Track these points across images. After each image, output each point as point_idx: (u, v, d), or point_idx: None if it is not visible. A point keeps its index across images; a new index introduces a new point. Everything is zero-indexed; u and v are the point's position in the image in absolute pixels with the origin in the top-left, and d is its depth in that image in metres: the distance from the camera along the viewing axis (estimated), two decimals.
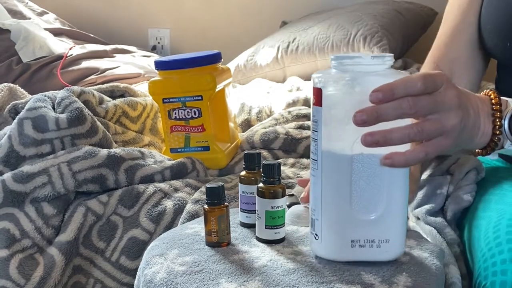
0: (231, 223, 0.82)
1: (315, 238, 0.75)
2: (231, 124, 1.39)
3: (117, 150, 1.18)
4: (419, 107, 0.68)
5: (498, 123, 0.79)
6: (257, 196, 0.80)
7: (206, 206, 0.80)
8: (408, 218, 0.97)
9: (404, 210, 0.73)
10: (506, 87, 1.07)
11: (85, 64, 2.06)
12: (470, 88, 1.07)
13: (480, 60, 1.09)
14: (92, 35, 2.38)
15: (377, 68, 0.70)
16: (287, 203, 0.91)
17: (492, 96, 0.80)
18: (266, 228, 0.80)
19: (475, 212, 0.90)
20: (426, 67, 1.11)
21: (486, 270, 0.74)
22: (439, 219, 0.93)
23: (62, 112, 1.20)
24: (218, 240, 0.80)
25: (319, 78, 0.70)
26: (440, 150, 0.70)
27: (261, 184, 0.80)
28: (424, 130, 0.68)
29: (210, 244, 0.80)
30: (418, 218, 0.96)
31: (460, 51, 1.08)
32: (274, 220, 0.79)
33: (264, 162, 0.80)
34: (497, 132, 0.79)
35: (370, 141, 0.66)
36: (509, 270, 0.72)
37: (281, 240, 0.81)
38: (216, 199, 0.80)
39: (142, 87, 1.63)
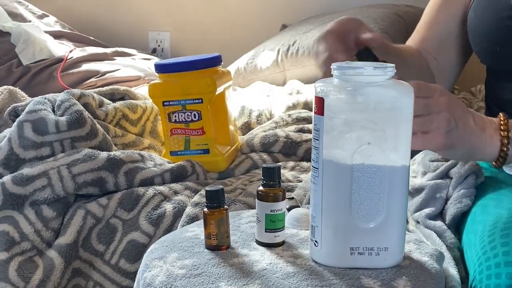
0: (230, 226, 0.82)
1: (315, 245, 0.75)
2: (231, 127, 1.39)
3: (116, 153, 1.18)
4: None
5: (505, 135, 0.85)
6: (256, 200, 0.80)
7: (205, 209, 0.80)
8: (407, 222, 0.97)
9: (403, 218, 0.74)
10: (496, 90, 1.07)
11: (85, 67, 2.06)
12: (455, 63, 1.14)
13: (464, 36, 1.11)
14: (92, 38, 2.38)
15: (379, 79, 0.71)
16: (287, 207, 0.91)
17: (501, 118, 0.87)
18: (266, 231, 0.80)
19: (472, 216, 0.90)
20: (410, 45, 1.16)
21: (481, 274, 0.75)
22: (438, 223, 0.93)
23: (62, 115, 1.20)
24: (218, 244, 0.80)
25: (321, 87, 0.71)
26: (432, 144, 0.80)
27: (260, 187, 0.80)
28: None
29: (210, 248, 0.80)
30: (418, 222, 0.96)
31: (443, 29, 1.12)
32: (273, 223, 0.79)
33: (264, 165, 0.80)
34: (505, 143, 0.85)
35: None
36: (503, 274, 0.72)
37: (281, 244, 0.81)
38: (216, 202, 0.80)
39: (142, 90, 1.63)
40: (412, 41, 1.17)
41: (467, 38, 1.09)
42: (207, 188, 0.80)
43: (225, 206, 0.81)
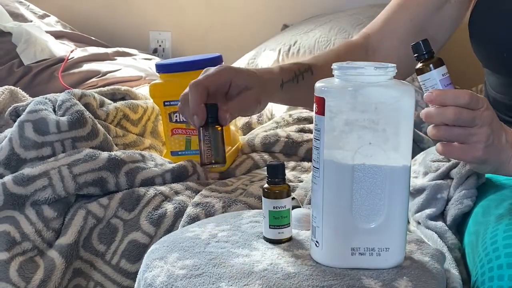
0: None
1: (316, 245, 0.75)
2: (232, 127, 1.39)
3: (117, 153, 1.18)
4: (458, 119, 0.77)
5: None
6: (262, 197, 0.81)
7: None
8: (408, 222, 0.97)
9: (404, 219, 0.74)
10: (495, 94, 1.06)
11: (86, 67, 2.06)
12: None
13: (431, 30, 1.07)
14: (93, 38, 2.38)
15: (380, 79, 0.71)
16: None
17: None
18: (270, 227, 0.80)
19: (474, 217, 0.90)
20: (357, 36, 1.11)
21: (483, 275, 0.74)
22: (439, 224, 0.92)
23: (63, 115, 1.20)
24: (214, 160, 0.81)
25: (322, 87, 0.71)
26: (469, 156, 0.80)
27: (265, 185, 0.81)
28: (453, 133, 0.78)
29: (204, 164, 0.81)
30: (419, 223, 0.96)
31: (398, 28, 1.07)
32: (277, 220, 0.80)
33: (268, 162, 0.81)
34: None
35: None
36: (506, 275, 0.72)
37: (288, 240, 0.81)
38: (211, 119, 0.81)
39: (143, 90, 1.63)
40: (371, 29, 1.12)
41: (435, 31, 1.07)
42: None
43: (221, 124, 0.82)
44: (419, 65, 0.88)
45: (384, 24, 1.10)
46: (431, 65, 0.87)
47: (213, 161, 0.80)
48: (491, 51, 1.01)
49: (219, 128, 0.81)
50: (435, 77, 0.87)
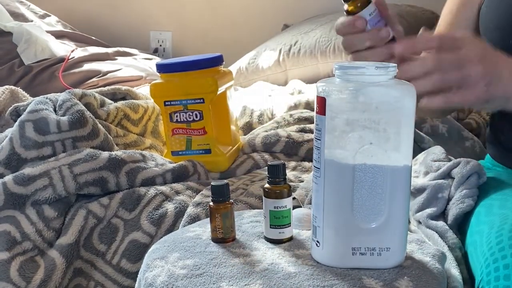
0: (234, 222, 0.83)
1: (317, 245, 0.75)
2: (233, 127, 1.39)
3: (118, 152, 1.18)
4: (441, 61, 0.73)
5: None
6: (263, 197, 0.81)
7: (211, 203, 0.82)
8: (409, 222, 0.97)
9: (405, 219, 0.74)
10: None
11: (87, 66, 2.06)
12: None
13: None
14: (94, 38, 2.38)
15: (381, 79, 0.71)
16: None
17: None
18: (270, 227, 0.81)
19: (477, 217, 0.90)
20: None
21: (489, 275, 0.74)
22: (440, 223, 0.92)
23: (63, 115, 1.20)
24: (223, 236, 0.82)
25: (323, 87, 0.71)
26: (472, 98, 0.75)
27: (266, 185, 0.81)
28: (450, 78, 0.74)
29: (215, 240, 0.82)
30: (420, 222, 0.96)
31: (462, 30, 1.07)
32: (278, 219, 0.80)
33: (269, 162, 0.82)
34: None
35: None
36: None
37: (289, 240, 0.82)
38: (221, 197, 0.81)
39: (143, 90, 1.63)
40: None
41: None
42: (213, 183, 0.82)
43: (230, 200, 0.83)
44: (345, 6, 0.85)
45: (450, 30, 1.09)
46: (358, 5, 0.84)
47: (223, 237, 0.83)
48: (498, 39, 1.01)
49: (229, 206, 0.82)
50: (364, 18, 0.84)
